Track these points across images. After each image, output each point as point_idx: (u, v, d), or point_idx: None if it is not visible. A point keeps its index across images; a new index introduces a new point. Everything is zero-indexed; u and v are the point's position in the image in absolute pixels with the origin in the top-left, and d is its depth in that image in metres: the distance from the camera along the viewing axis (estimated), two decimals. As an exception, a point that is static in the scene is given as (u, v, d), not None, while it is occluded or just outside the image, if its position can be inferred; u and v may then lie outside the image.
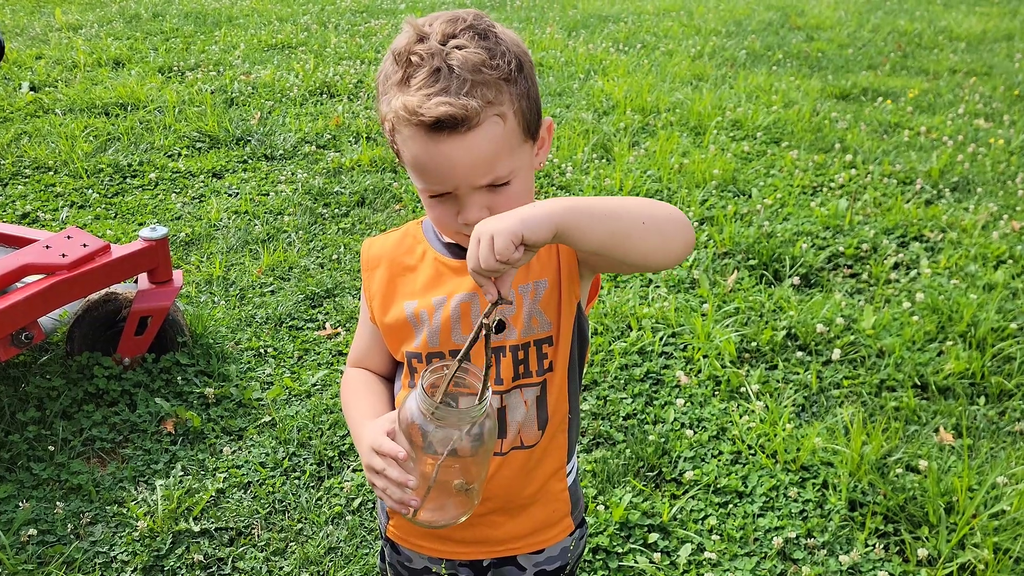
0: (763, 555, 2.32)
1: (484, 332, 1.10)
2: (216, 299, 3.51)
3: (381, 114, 1.20)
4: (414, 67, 1.14)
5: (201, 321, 3.26)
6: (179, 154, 4.95)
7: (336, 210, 4.28)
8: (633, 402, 2.88)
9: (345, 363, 1.53)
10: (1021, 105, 5.96)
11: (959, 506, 2.36)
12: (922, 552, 2.27)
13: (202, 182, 4.61)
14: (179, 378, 2.98)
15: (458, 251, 1.32)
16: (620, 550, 2.34)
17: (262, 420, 2.85)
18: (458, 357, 1.13)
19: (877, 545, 2.32)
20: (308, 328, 3.35)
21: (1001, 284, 3.39)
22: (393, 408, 1.41)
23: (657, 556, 2.31)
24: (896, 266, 3.67)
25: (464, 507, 1.23)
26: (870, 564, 2.27)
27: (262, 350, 3.20)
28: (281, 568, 2.34)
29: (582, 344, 1.38)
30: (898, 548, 2.33)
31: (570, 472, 1.44)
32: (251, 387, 2.97)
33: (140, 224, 4.12)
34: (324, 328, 3.35)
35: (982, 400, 2.81)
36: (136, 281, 3.05)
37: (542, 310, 1.30)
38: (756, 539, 2.37)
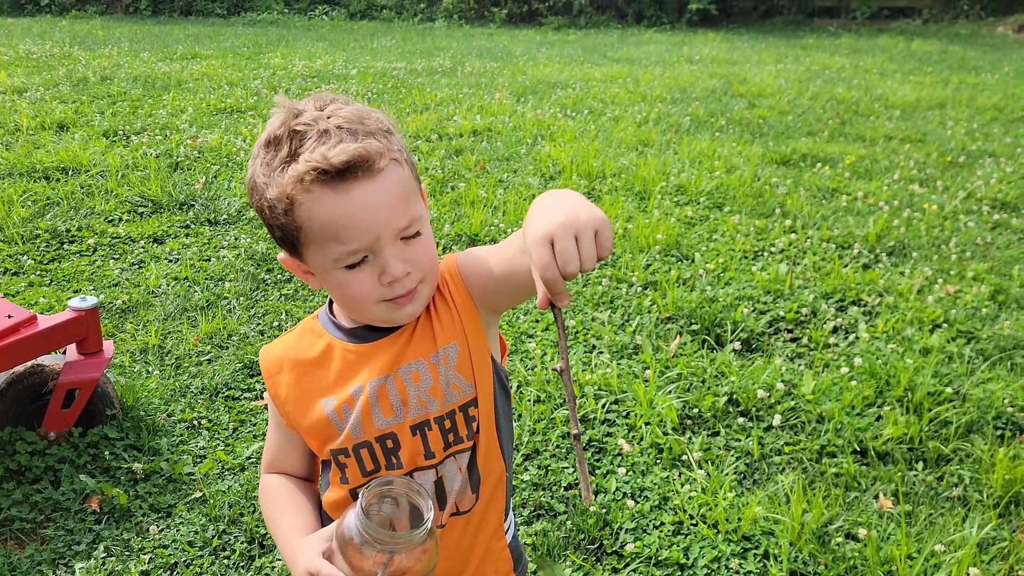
0: (704, 630, 2.28)
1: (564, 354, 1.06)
2: (150, 369, 3.42)
3: (268, 202, 1.16)
4: (300, 135, 1.13)
5: (133, 392, 3.16)
6: (120, 219, 4.88)
7: (279, 276, 4.23)
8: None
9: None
10: (953, 171, 6.15)
11: (898, 575, 2.35)
12: (863, 624, 2.25)
13: (142, 247, 4.54)
14: (107, 453, 2.88)
15: (364, 334, 1.29)
16: (559, 628, 2.28)
17: (192, 496, 2.75)
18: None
19: (818, 617, 2.30)
20: (245, 398, 3.28)
21: (936, 348, 3.44)
22: (319, 515, 1.36)
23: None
24: (835, 330, 3.72)
25: None
26: (811, 637, 2.24)
27: (196, 421, 3.11)
28: (206, 655, 2.24)
29: (506, 397, 1.36)
30: (839, 620, 2.31)
31: (508, 529, 1.42)
32: (183, 461, 2.88)
33: (76, 291, 4.03)
34: (262, 398, 3.27)
35: (920, 465, 2.82)
36: (64, 352, 2.96)
37: (459, 374, 1.28)
38: (697, 613, 2.33)
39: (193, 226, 4.82)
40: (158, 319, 3.80)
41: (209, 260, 4.41)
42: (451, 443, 1.29)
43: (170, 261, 4.40)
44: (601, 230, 0.99)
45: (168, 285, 4.11)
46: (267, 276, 4.22)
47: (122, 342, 3.60)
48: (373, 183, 1.13)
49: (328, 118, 1.14)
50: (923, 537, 2.48)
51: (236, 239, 4.63)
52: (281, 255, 1.27)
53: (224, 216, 4.93)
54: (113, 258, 4.42)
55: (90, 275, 4.22)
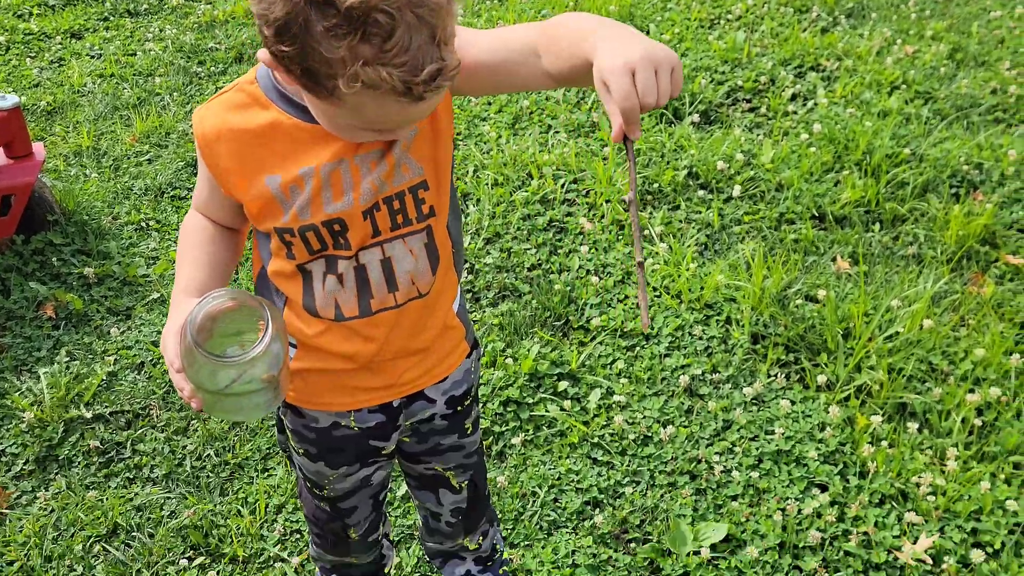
0: (670, 393, 2.35)
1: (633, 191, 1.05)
2: (88, 172, 3.26)
3: (320, 54, 0.97)
4: (376, 23, 0.94)
5: (72, 196, 3.02)
6: (30, 13, 4.49)
7: (212, 68, 3.98)
8: (537, 252, 2.83)
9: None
10: (914, -74, 5.87)
11: (856, 331, 2.42)
12: (821, 378, 2.34)
13: (59, 44, 4.21)
14: (54, 259, 2.78)
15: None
16: (531, 400, 2.33)
17: (150, 297, 2.70)
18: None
19: (779, 375, 2.38)
20: (192, 197, 3.15)
21: (895, 110, 3.40)
22: (228, 270, 1.32)
23: (567, 403, 2.32)
24: (794, 97, 3.64)
25: (264, 404, 1.17)
26: (772, 393, 2.33)
27: (143, 223, 3.00)
28: (184, 447, 2.27)
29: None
30: (799, 376, 2.40)
31: (455, 298, 1.43)
32: (135, 263, 2.80)
33: (-7, 94, 3.76)
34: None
35: (877, 227, 2.85)
36: (-9, 158, 2.79)
37: (412, 156, 1.21)
38: (663, 379, 2.40)
39: (112, 18, 4.46)
40: (88, 120, 3.58)
41: (135, 55, 4.12)
42: (399, 224, 1.25)
43: (92, 57, 4.10)
44: (677, 68, 1.01)
45: (94, 83, 3.85)
46: (199, 69, 3.97)
47: (53, 145, 3.41)
48: (428, 102, 1.04)
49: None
50: (879, 295, 2.54)
51: (161, 31, 4.31)
52: (265, 56, 1.06)
53: (145, 6, 4.56)
54: (29, 56, 4.11)
55: (7, 76, 3.93)
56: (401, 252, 1.27)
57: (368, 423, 1.42)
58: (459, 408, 1.50)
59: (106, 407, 2.35)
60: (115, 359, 2.49)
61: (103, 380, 2.42)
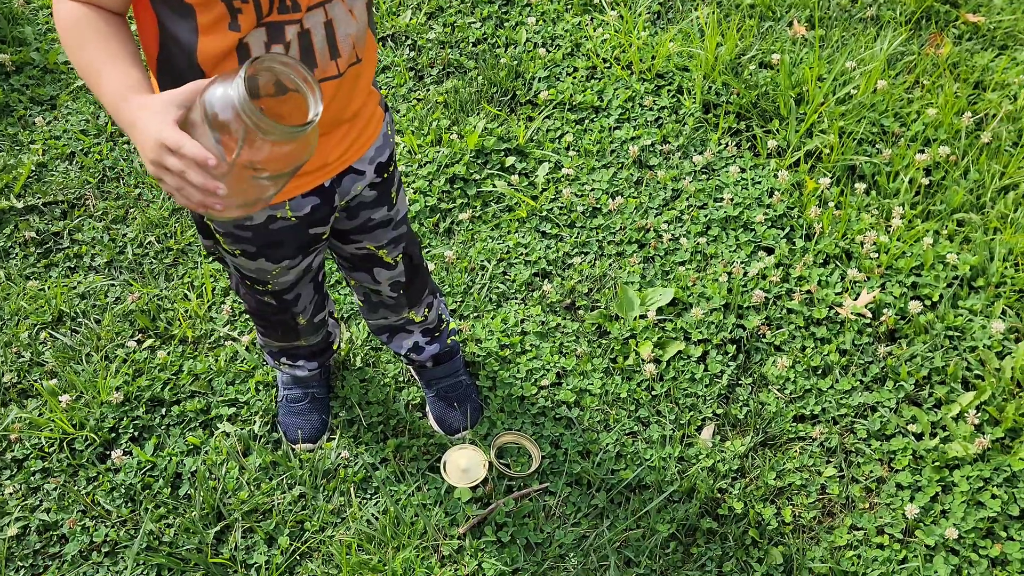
0: (620, 165, 2.31)
1: None
2: (-7, -47, 3.00)
3: None
4: None
5: (-22, -21, 2.79)
6: None
7: None
8: (483, 26, 2.69)
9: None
10: None
11: (809, 96, 2.37)
12: (772, 144, 2.30)
13: None
14: (-34, 47, 2.60)
15: None
16: (478, 176, 2.29)
17: (75, 85, 2.55)
18: None
19: (730, 143, 2.34)
20: None
21: None
22: (135, 58, 1.09)
23: (515, 178, 2.27)
24: None
25: (265, 192, 1.05)
26: (722, 162, 2.30)
27: (60, 7, 2.79)
28: (124, 235, 2.22)
29: None
30: (750, 144, 2.36)
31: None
32: (55, 50, 2.63)
33: None
34: None
35: (836, -10, 2.73)
36: None
37: None
38: (613, 151, 2.35)
39: None
40: None
41: None
42: None
43: None
44: None
45: None
46: None
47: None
48: None
49: None
50: (835, 58, 2.46)
51: None
52: None
53: None
54: None
55: None
56: (342, 13, 1.18)
57: (304, 209, 1.37)
58: (385, 175, 1.45)
59: (39, 198, 2.27)
60: (43, 149, 2.38)
61: (32, 171, 2.32)
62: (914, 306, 1.95)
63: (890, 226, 2.12)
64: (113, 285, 2.11)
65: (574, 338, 1.98)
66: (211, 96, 0.96)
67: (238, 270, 1.49)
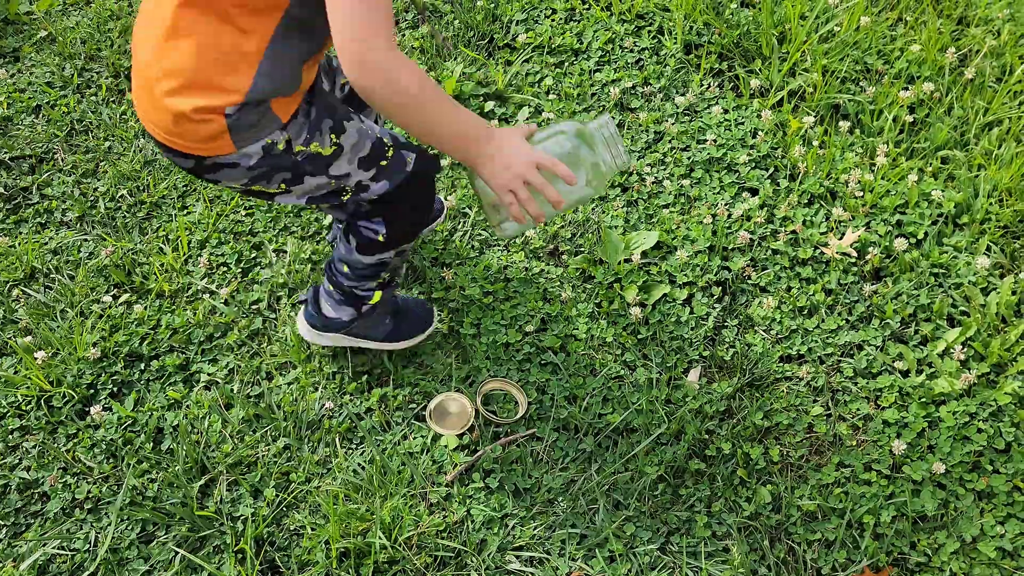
0: (601, 108, 2.27)
1: None
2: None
3: None
4: None
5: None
6: None
7: None
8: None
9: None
10: None
11: (791, 34, 2.33)
12: (755, 83, 2.27)
13: None
14: (-77, -2, 2.51)
15: None
16: (456, 122, 2.24)
17: (38, 36, 2.47)
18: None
19: (712, 84, 2.30)
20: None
21: None
22: None
23: (495, 123, 2.23)
24: None
25: (567, 210, 1.44)
26: (705, 103, 2.27)
27: (19, -44, 2.70)
28: (95, 189, 2.16)
29: None
30: (732, 84, 2.32)
31: None
32: (14, 1, 2.54)
33: None
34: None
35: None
36: None
37: None
38: (593, 94, 2.31)
39: None
40: None
41: None
42: None
43: None
44: None
45: None
46: None
47: None
48: None
49: None
50: (817, -4, 2.42)
51: None
52: None
53: None
54: None
55: None
56: None
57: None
58: None
59: (5, 152, 2.21)
60: (9, 103, 2.31)
61: (-2, 125, 2.26)
62: (899, 244, 1.94)
63: (874, 164, 2.10)
64: (86, 240, 2.06)
65: (558, 283, 1.96)
66: (575, 136, 1.37)
67: (358, 146, 1.46)
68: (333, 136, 1.40)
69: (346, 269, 1.63)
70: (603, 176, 1.39)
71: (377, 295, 1.69)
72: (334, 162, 1.42)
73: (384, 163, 1.46)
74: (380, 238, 1.54)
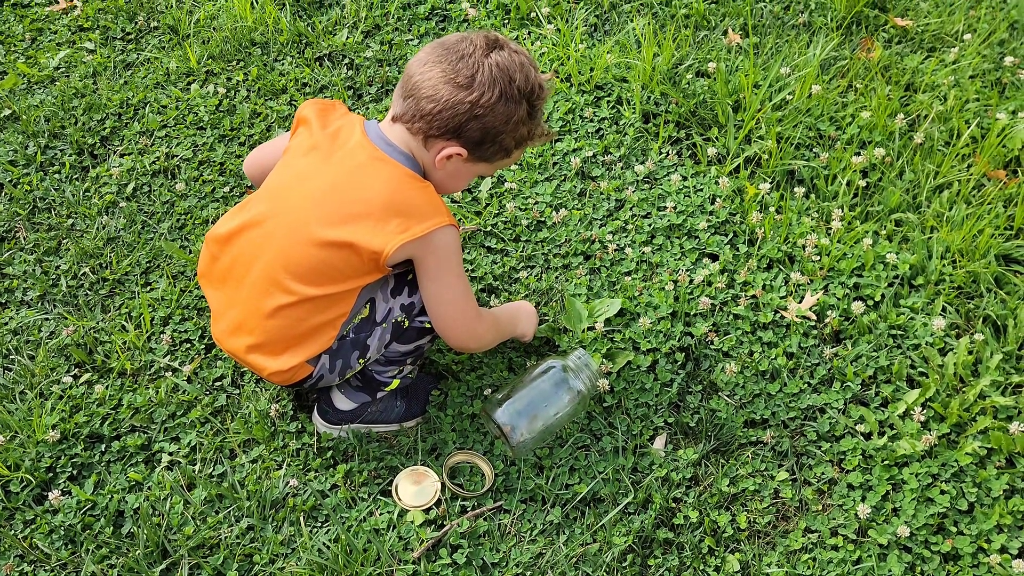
0: (562, 177, 2.31)
1: None
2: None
3: (507, 131, 1.63)
4: (539, 96, 1.70)
5: None
6: None
7: None
8: (419, 43, 2.67)
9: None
10: None
11: (746, 103, 2.39)
12: (712, 151, 2.32)
13: None
14: None
15: None
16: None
17: (2, 115, 2.48)
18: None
19: (670, 152, 2.35)
20: (36, 4, 2.86)
21: None
22: None
23: (458, 195, 2.26)
24: None
25: None
26: (664, 170, 2.31)
27: (-16, 36, 2.72)
28: (57, 267, 2.15)
29: None
30: (690, 152, 2.37)
31: None
32: (-21, 79, 2.56)
33: None
34: (57, 2, 2.87)
35: (769, -3, 2.77)
36: None
37: None
38: (555, 163, 2.35)
39: None
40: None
41: None
42: None
43: None
44: None
45: None
46: None
47: None
48: None
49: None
50: (770, 65, 2.50)
51: None
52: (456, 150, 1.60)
53: None
54: None
55: None
56: None
57: None
58: None
59: (-35, 232, 2.20)
60: (-30, 182, 2.31)
61: (-41, 205, 2.25)
62: (857, 307, 1.97)
63: (830, 228, 2.14)
64: (47, 319, 2.05)
65: (523, 353, 1.97)
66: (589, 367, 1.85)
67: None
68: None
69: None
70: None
71: (395, 382, 1.79)
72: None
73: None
74: (427, 324, 1.72)
